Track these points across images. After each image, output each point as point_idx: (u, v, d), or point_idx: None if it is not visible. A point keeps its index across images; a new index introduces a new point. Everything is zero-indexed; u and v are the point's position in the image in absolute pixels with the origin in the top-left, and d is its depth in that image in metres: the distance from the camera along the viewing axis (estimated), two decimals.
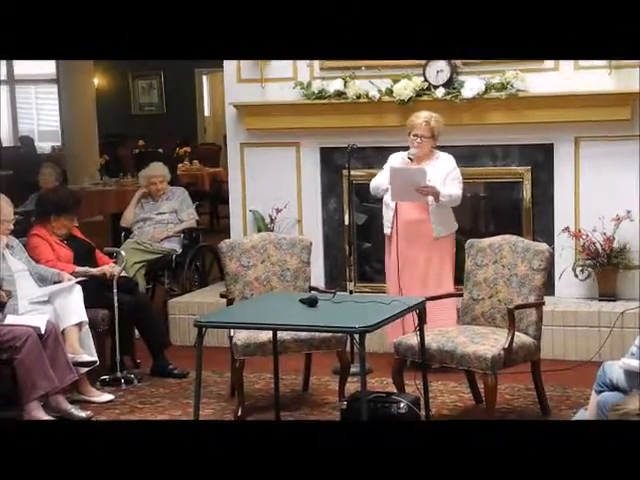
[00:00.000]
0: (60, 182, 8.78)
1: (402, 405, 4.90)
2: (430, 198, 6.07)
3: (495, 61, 6.53)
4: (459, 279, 6.00)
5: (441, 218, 6.17)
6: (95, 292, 6.12)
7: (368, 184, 6.49)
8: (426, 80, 6.81)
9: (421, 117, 6.12)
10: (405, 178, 6.02)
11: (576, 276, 6.72)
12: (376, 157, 6.99)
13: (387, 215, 6.24)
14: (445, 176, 6.11)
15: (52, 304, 5.81)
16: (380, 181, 6.25)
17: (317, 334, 5.45)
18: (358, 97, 6.95)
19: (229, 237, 6.98)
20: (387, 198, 6.22)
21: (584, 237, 6.66)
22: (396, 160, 6.26)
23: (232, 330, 5.52)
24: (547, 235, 6.77)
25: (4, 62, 14.53)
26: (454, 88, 6.76)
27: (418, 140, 6.10)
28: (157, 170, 7.90)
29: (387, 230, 6.24)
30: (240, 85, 7.35)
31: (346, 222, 7.12)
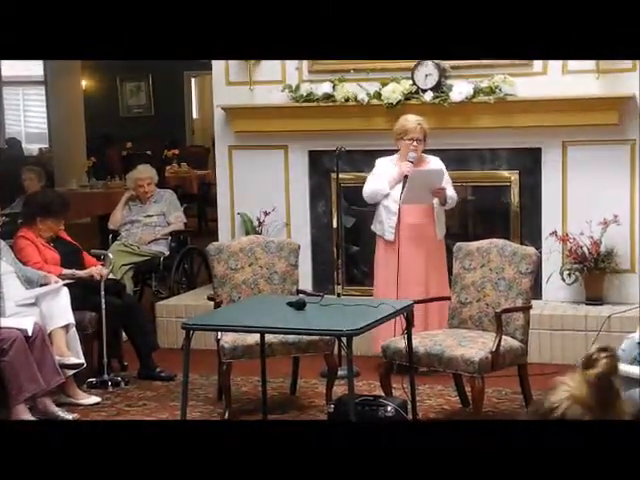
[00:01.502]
0: (45, 184, 8.77)
1: (389, 408, 4.91)
2: (435, 200, 6.10)
3: (484, 65, 6.55)
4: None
5: (441, 220, 6.22)
6: (82, 294, 6.11)
7: (356, 187, 6.49)
8: (414, 84, 6.82)
9: (413, 121, 6.13)
10: (424, 181, 6.04)
11: (563, 280, 6.74)
12: (364, 160, 6.99)
13: (389, 221, 6.19)
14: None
15: (39, 306, 5.79)
16: (378, 186, 6.21)
17: (305, 337, 5.45)
18: (346, 100, 6.95)
19: (217, 240, 6.98)
20: (388, 203, 6.19)
21: (571, 241, 6.68)
22: (385, 164, 6.26)
23: (219, 333, 5.51)
24: (535, 239, 6.78)
25: None
26: (442, 92, 6.77)
27: (414, 144, 6.11)
28: (145, 172, 7.89)
29: (390, 236, 6.18)
30: (228, 88, 7.34)
31: (334, 225, 7.13)
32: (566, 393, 1.87)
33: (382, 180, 6.20)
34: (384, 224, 6.22)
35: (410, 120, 6.14)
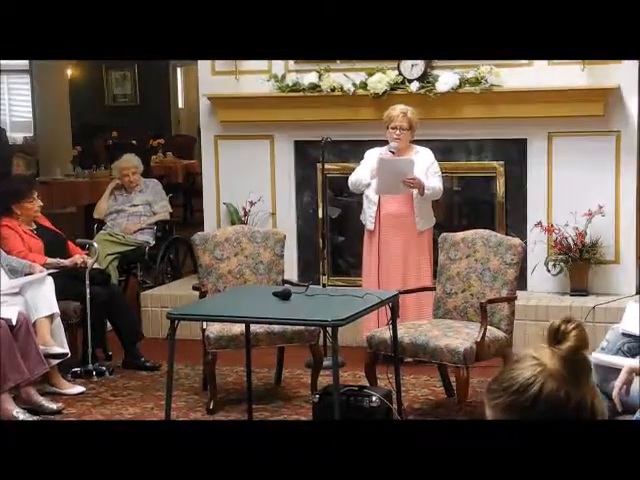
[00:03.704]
0: (34, 172, 8.78)
1: (374, 399, 4.91)
2: (415, 191, 6.09)
3: None
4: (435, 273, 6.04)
5: (423, 212, 6.21)
6: (67, 284, 6.09)
7: (342, 177, 6.49)
8: (400, 74, 6.82)
9: (398, 109, 6.14)
10: (393, 169, 6.02)
11: (548, 271, 6.76)
12: (350, 150, 6.99)
13: (369, 210, 6.21)
14: (426, 170, 6.14)
15: (23, 296, 5.77)
16: (360, 176, 6.23)
17: (290, 327, 5.45)
18: (332, 90, 6.94)
19: (202, 229, 6.97)
20: (369, 193, 6.21)
21: (556, 232, 6.70)
22: (374, 155, 6.26)
23: (205, 323, 5.51)
24: (520, 230, 6.80)
25: None
26: (428, 82, 6.77)
27: (397, 132, 6.11)
28: (130, 161, 7.87)
29: (370, 225, 6.21)
30: (214, 77, 7.32)
31: (320, 215, 7.12)
32: (539, 367, 1.81)
33: (365, 170, 6.21)
34: (365, 213, 6.25)
35: (395, 108, 6.16)
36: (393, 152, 6.11)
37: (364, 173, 6.21)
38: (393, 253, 6.17)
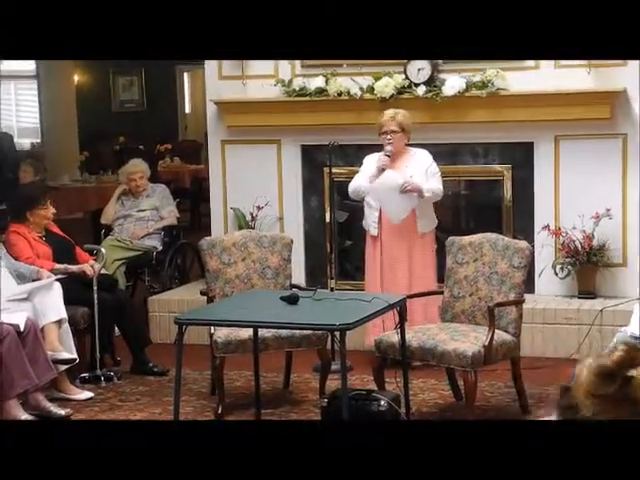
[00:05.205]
0: (42, 178, 8.81)
1: (382, 403, 4.91)
2: (415, 194, 6.10)
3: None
4: (440, 277, 6.04)
5: (424, 214, 6.21)
6: (75, 289, 6.10)
7: (349, 182, 6.49)
8: (407, 78, 6.82)
9: (386, 114, 6.18)
10: (386, 189, 6.04)
11: (556, 274, 6.75)
12: (357, 155, 6.99)
13: (372, 216, 6.22)
14: (425, 171, 6.15)
15: (31, 301, 5.78)
16: (359, 183, 6.24)
17: (298, 332, 5.45)
18: (339, 95, 6.95)
19: (210, 234, 6.98)
20: (369, 199, 6.22)
21: (564, 235, 6.69)
22: (373, 160, 6.26)
23: (212, 328, 5.51)
24: (527, 233, 6.79)
25: None
26: (435, 86, 6.77)
27: (388, 137, 6.13)
28: (136, 166, 7.88)
29: (373, 231, 6.21)
30: (221, 82, 7.34)
31: (327, 220, 7.12)
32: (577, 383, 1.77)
33: (364, 176, 6.23)
34: (367, 219, 6.26)
35: (385, 113, 6.19)
36: (389, 155, 6.13)
37: (362, 180, 6.23)
38: (397, 257, 6.17)
